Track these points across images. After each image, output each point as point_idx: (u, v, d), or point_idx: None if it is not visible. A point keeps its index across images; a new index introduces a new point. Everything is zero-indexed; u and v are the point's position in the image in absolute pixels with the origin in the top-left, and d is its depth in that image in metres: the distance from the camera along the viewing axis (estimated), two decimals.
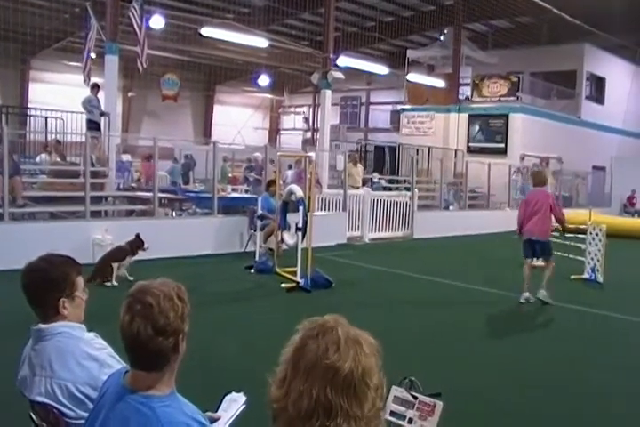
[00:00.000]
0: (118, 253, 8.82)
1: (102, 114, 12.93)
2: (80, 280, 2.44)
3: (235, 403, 2.40)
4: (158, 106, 29.78)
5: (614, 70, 28.69)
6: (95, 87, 13.22)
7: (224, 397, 2.43)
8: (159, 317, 1.79)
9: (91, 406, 2.11)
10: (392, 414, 2.23)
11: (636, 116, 31.05)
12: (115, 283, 8.56)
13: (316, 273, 9.23)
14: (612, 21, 23.09)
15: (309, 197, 9.78)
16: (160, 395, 1.83)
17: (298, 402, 1.35)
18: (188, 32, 22.33)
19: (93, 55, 14.19)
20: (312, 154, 10.60)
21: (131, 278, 8.44)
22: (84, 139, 11.55)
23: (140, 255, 9.25)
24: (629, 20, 23.70)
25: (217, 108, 36.51)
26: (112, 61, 13.31)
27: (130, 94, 30.10)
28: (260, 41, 19.93)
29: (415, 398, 2.22)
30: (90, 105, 12.89)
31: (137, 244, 8.93)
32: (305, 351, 1.39)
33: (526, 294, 8.76)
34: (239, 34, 18.88)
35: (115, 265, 8.64)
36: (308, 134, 36.21)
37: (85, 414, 2.12)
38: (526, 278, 8.86)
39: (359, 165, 17.77)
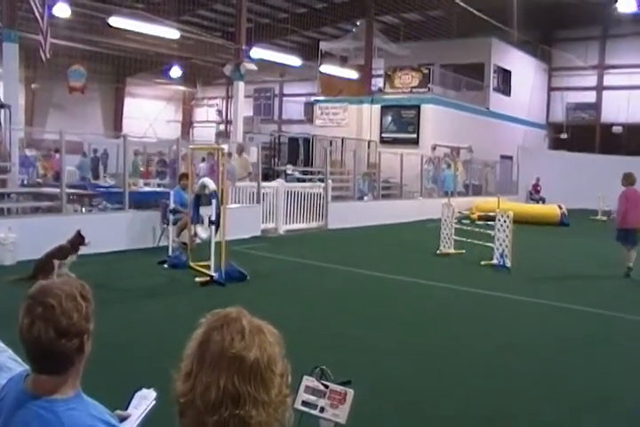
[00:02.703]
0: (59, 253, 8.49)
1: (1, 106, 12.35)
2: None
3: (145, 400, 2.34)
4: (65, 98, 28.75)
5: (519, 64, 29.83)
6: None
7: (134, 394, 2.38)
8: (61, 318, 1.72)
9: None
10: (304, 403, 2.23)
11: (539, 108, 32.43)
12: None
13: (230, 266, 9.17)
14: (516, 18, 23.97)
15: (222, 190, 9.70)
16: (64, 398, 1.76)
17: (205, 394, 1.34)
18: (96, 21, 21.63)
19: None
20: (225, 146, 10.47)
21: (73, 275, 8.12)
22: None
23: None
24: (531, 17, 24.71)
25: (128, 101, 35.65)
26: (10, 49, 12.73)
27: (34, 86, 28.94)
28: (171, 32, 19.55)
29: (326, 386, 2.23)
30: None
31: (78, 240, 8.62)
32: (210, 343, 1.38)
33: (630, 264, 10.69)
34: (149, 24, 18.46)
35: (56, 263, 8.31)
36: (222, 127, 35.86)
37: None
38: (627, 258, 10.73)
39: (244, 154, 16.36)
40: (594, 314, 8.06)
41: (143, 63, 30.10)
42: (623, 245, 10.86)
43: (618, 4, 21.19)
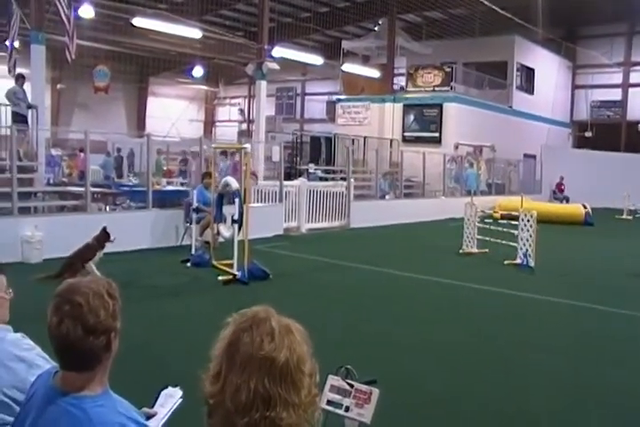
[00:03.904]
0: (87, 251, 8.56)
1: (29, 106, 12.49)
2: (2, 279, 2.36)
3: (171, 398, 2.37)
4: (90, 98, 29.02)
5: (542, 62, 29.54)
6: (20, 78, 12.69)
7: (160, 392, 2.40)
8: (89, 316, 1.74)
9: (17, 409, 2.03)
10: (329, 403, 2.24)
11: (563, 106, 32.09)
12: None
13: (252, 265, 9.18)
14: (539, 15, 23.78)
15: (245, 189, 9.72)
16: (93, 395, 1.78)
17: (236, 396, 1.34)
18: (120, 22, 21.82)
19: (17, 44, 13.67)
20: (248, 145, 10.49)
21: (98, 273, 8.21)
22: (8, 132, 11.14)
23: None
24: (555, 14, 24.47)
25: (151, 100, 35.88)
26: (38, 51, 12.85)
27: (59, 86, 29.22)
28: (193, 31, 19.62)
29: (351, 386, 2.24)
30: (15, 97, 12.39)
31: (103, 237, 8.68)
32: (239, 345, 1.38)
33: None
34: (172, 24, 18.55)
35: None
36: (244, 126, 35.97)
37: (11, 419, 2.04)
38: None
39: None
40: (618, 314, 7.95)
41: (166, 63, 30.32)
42: None
43: None
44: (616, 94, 31.50)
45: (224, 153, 16.62)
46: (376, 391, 2.22)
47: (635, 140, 28.82)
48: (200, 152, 13.89)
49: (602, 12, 27.16)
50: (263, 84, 18.74)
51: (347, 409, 2.22)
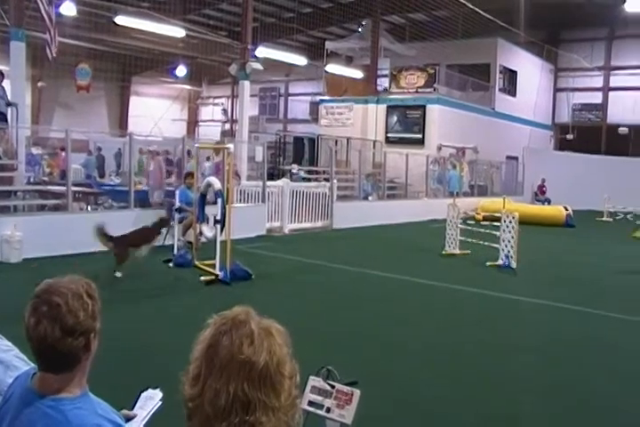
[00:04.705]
0: (148, 234, 9.15)
1: (9, 104, 12.34)
2: None
3: (151, 400, 2.34)
4: (71, 97, 28.79)
5: (525, 64, 29.76)
6: None
7: (140, 394, 2.37)
8: (68, 316, 1.72)
9: None
10: (310, 404, 2.23)
11: (545, 109, 32.35)
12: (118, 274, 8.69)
13: (235, 265, 9.17)
14: (522, 18, 23.96)
15: (228, 189, 9.69)
16: (71, 397, 1.76)
17: (215, 400, 1.33)
18: (102, 20, 21.65)
19: None
20: (231, 145, 10.46)
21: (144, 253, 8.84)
22: None
23: (56, 251, 8.98)
24: (537, 18, 24.68)
25: (133, 100, 35.66)
26: (18, 48, 12.69)
27: (40, 84, 28.92)
28: (176, 31, 19.56)
29: (333, 387, 2.23)
30: None
31: (161, 224, 9.46)
32: (218, 348, 1.36)
33: None
34: (155, 23, 18.46)
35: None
36: (227, 126, 35.87)
37: None
38: None
39: None
40: (598, 315, 8.01)
41: (149, 62, 30.12)
42: None
43: (625, 5, 21.09)
44: (597, 98, 31.82)
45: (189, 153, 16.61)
46: (357, 392, 2.21)
47: (615, 143, 29.12)
48: (183, 152, 13.84)
49: (583, 17, 27.46)
50: (246, 84, 18.69)
51: (328, 410, 2.21)
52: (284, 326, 1.46)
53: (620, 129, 29.50)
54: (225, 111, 37.77)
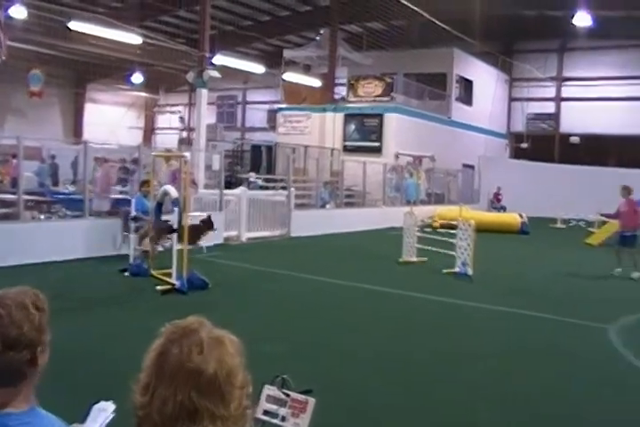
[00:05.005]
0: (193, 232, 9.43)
1: None
2: None
3: (103, 412, 2.30)
4: (24, 103, 28.26)
5: (481, 74, 30.28)
6: None
7: (92, 406, 2.32)
8: (10, 328, 1.66)
9: None
10: (265, 413, 2.21)
11: (500, 118, 32.96)
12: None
13: (192, 274, 9.09)
14: (477, 29, 24.41)
15: (185, 198, 9.61)
16: (18, 412, 1.70)
17: (162, 408, 1.31)
18: (55, 25, 21.28)
19: None
20: (188, 154, 10.38)
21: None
22: None
23: (6, 262, 8.78)
24: (492, 29, 25.19)
25: (88, 107, 35.17)
26: None
27: None
28: (133, 37, 19.35)
29: (287, 395, 2.22)
30: None
31: (207, 225, 9.99)
32: (168, 356, 1.35)
33: (619, 270, 11.69)
34: (111, 29, 18.24)
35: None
36: (185, 134, 35.61)
37: None
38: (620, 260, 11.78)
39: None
40: (552, 320, 8.15)
41: (104, 69, 29.73)
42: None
43: (575, 18, 21.67)
44: (550, 107, 32.59)
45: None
46: (312, 401, 2.20)
47: (567, 152, 29.83)
48: (139, 160, 13.67)
49: (536, 29, 28.14)
50: (204, 91, 18.60)
51: (283, 419, 2.19)
52: (238, 334, 1.44)
53: (572, 138, 30.22)
54: (182, 119, 37.53)
